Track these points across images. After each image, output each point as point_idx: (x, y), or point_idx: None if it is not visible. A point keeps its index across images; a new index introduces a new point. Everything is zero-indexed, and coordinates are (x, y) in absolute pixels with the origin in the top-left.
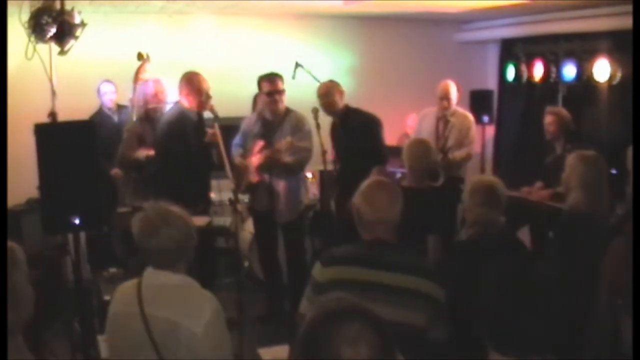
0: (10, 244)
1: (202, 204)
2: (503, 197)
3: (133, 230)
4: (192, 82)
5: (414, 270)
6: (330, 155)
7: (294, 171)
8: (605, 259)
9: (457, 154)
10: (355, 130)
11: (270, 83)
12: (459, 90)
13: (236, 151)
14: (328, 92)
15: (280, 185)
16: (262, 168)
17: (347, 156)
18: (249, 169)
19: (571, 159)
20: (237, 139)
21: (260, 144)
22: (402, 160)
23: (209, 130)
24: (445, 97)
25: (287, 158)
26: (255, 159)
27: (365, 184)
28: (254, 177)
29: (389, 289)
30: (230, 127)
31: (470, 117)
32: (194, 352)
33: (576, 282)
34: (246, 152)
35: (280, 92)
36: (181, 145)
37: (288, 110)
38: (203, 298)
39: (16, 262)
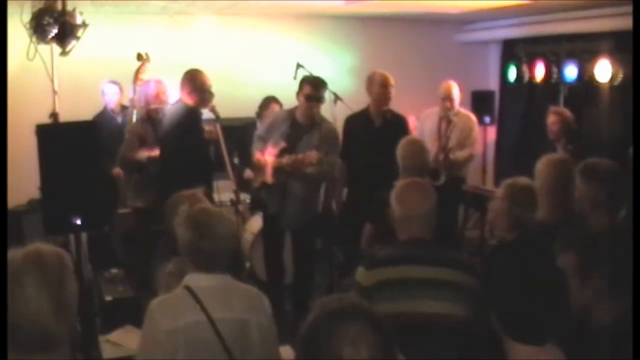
0: (59, 250)
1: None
2: (537, 198)
3: (182, 234)
4: (194, 79)
5: (454, 264)
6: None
7: (312, 180)
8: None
9: (459, 154)
10: (393, 125)
11: (313, 88)
12: (460, 90)
13: (258, 145)
14: (390, 83)
15: (295, 190)
16: (279, 171)
17: (374, 153)
18: (265, 168)
19: (538, 164)
20: (260, 131)
21: (281, 145)
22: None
23: (207, 127)
24: (448, 97)
25: (309, 169)
26: (272, 160)
27: (399, 184)
28: (268, 178)
29: (433, 282)
30: (230, 127)
31: (473, 117)
32: (266, 344)
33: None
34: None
35: (322, 100)
36: (188, 141)
37: (321, 119)
38: (255, 292)
39: (69, 270)
